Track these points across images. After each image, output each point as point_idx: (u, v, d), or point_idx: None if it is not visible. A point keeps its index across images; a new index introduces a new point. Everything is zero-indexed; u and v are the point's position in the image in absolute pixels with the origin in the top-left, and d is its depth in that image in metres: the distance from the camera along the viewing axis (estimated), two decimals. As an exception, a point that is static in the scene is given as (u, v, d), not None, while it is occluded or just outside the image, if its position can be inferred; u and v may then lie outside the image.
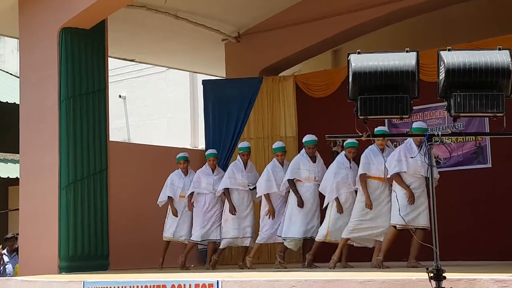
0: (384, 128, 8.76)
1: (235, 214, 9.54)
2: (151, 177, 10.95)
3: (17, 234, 11.68)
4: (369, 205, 8.39)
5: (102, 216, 9.94)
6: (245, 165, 9.71)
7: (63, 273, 9.46)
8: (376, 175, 8.49)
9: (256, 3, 11.75)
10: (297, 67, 13.24)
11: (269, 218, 9.33)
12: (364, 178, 8.46)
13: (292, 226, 9.06)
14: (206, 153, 10.24)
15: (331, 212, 8.78)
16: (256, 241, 9.47)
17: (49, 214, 9.73)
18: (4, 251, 12.27)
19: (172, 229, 10.05)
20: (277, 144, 9.66)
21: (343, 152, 8.98)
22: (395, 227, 8.16)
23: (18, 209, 10.47)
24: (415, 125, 8.32)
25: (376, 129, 8.42)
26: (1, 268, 12.31)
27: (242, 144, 10.03)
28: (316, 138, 9.18)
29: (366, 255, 8.62)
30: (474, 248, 9.57)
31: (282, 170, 9.39)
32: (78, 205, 9.70)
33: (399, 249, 8.28)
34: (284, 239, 9.13)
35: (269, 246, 10.68)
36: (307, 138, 9.26)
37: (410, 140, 8.39)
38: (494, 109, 4.84)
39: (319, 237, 8.82)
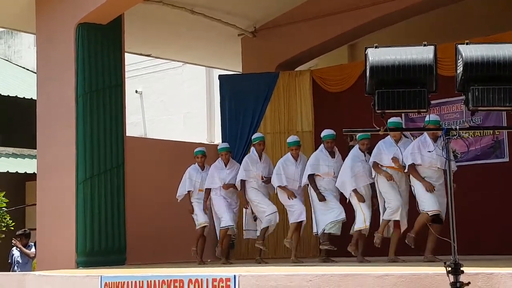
0: (397, 119, 8.60)
1: (247, 208, 9.59)
2: (167, 172, 10.98)
3: (30, 229, 11.81)
4: (389, 177, 8.43)
5: (119, 211, 9.98)
6: (260, 156, 9.72)
7: (80, 268, 9.50)
8: (388, 164, 8.51)
9: (272, -2, 11.74)
10: (313, 62, 13.21)
11: (292, 199, 9.31)
12: (377, 166, 8.51)
13: (325, 215, 9.01)
14: (218, 147, 10.26)
15: (359, 203, 8.75)
16: (291, 222, 9.38)
17: (66, 209, 9.78)
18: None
19: (204, 216, 10.03)
20: (291, 139, 9.66)
21: (357, 145, 8.96)
22: (427, 214, 8.16)
23: (35, 205, 10.54)
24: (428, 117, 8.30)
25: (389, 121, 8.40)
26: (13, 264, 12.42)
27: (256, 135, 10.05)
28: (335, 133, 9.17)
29: (383, 250, 8.60)
30: (492, 242, 9.53)
31: (294, 164, 9.39)
32: (95, 200, 9.75)
33: (416, 243, 8.28)
34: (323, 230, 9.02)
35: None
36: (326, 132, 9.24)
37: (425, 133, 8.37)
38: (512, 102, 4.80)
39: (358, 226, 8.75)
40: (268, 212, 9.49)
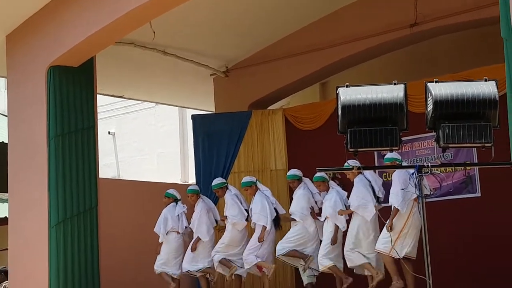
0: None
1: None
2: (141, 213, 10.91)
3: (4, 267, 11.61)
4: None
5: (93, 254, 9.84)
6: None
7: (53, 312, 9.35)
8: None
9: (243, 38, 11.82)
10: (285, 100, 13.30)
11: None
12: None
13: None
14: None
15: None
16: None
17: (38, 253, 9.64)
18: None
19: None
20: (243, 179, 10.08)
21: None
22: None
23: (7, 249, 10.37)
24: (388, 155, 8.38)
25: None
26: None
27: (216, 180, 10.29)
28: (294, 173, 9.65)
29: None
30: (465, 277, 9.56)
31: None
32: (68, 243, 9.61)
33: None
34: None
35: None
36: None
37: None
38: (482, 139, 4.87)
39: None
40: None
